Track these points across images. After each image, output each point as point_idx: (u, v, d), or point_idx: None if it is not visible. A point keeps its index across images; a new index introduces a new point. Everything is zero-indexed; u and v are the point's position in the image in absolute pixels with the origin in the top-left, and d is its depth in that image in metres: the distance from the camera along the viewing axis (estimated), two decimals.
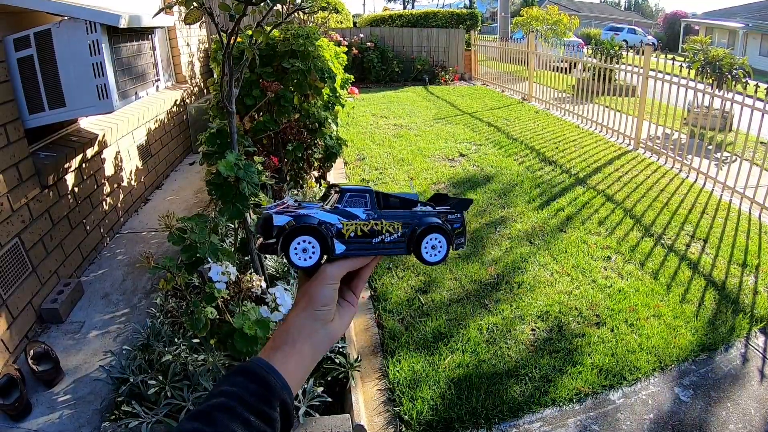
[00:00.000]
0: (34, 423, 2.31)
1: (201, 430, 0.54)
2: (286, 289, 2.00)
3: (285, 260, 0.70)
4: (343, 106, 4.07)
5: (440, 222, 0.78)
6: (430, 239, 0.77)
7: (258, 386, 0.60)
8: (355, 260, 0.73)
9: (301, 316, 0.69)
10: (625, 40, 25.55)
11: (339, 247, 0.71)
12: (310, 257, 0.69)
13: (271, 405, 0.59)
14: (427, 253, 0.77)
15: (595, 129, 7.78)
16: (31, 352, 2.58)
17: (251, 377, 0.61)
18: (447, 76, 12.97)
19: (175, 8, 3.25)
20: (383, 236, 0.74)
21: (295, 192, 3.89)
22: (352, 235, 0.72)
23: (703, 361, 2.84)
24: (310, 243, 0.69)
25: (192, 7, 1.94)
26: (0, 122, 2.76)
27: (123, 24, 3.08)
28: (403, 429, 2.36)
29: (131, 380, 2.29)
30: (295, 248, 0.68)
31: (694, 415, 2.46)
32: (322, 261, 0.71)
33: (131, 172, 4.47)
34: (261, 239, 0.72)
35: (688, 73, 5.98)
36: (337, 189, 0.77)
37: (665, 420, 2.44)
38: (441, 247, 0.78)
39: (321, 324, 0.69)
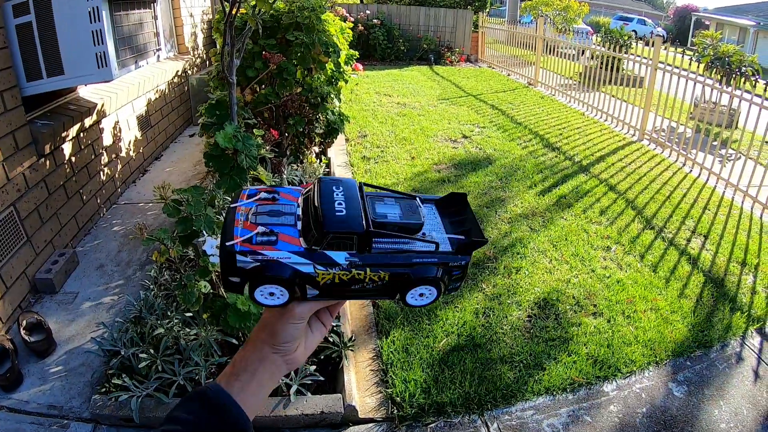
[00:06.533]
0: (25, 394, 2.29)
1: None
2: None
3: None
4: (346, 81, 4.01)
5: (439, 275, 0.66)
6: (419, 289, 0.67)
7: (215, 417, 0.60)
8: (328, 300, 0.69)
9: (262, 350, 0.67)
10: (634, 31, 25.27)
11: (311, 292, 0.64)
12: (278, 298, 0.63)
13: None
14: (412, 298, 0.68)
15: (601, 118, 7.70)
16: (24, 322, 2.55)
17: (209, 408, 0.61)
18: (453, 57, 12.81)
19: None
20: (364, 284, 0.64)
21: (295, 167, 3.83)
22: (328, 282, 0.63)
23: (698, 357, 2.83)
24: (278, 288, 0.62)
25: None
26: None
27: None
28: (395, 411, 2.35)
29: (123, 353, 2.27)
30: (261, 292, 0.62)
31: (687, 412, 2.45)
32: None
33: (130, 142, 4.41)
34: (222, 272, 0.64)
35: (697, 67, 5.87)
36: (320, 231, 0.62)
37: (658, 415, 2.43)
38: (430, 295, 0.68)
39: (281, 356, 0.67)
